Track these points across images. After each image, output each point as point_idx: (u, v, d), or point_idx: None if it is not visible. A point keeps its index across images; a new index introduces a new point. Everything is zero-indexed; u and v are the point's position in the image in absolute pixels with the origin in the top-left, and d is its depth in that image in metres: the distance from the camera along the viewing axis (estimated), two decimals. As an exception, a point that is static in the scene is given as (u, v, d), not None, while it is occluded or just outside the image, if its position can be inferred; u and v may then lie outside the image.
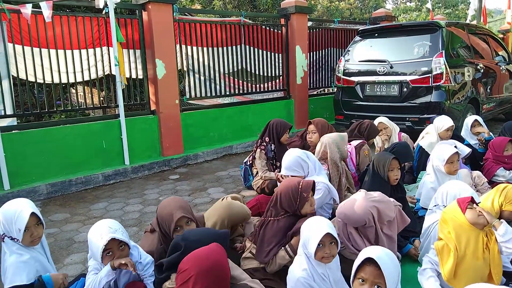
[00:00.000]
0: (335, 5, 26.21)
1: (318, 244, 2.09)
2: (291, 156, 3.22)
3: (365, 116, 5.72)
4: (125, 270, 2.25)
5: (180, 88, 6.47)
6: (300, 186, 2.56)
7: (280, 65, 7.77)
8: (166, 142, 5.87)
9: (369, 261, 1.76)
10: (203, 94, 6.61)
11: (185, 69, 6.44)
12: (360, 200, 2.54)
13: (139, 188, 5.01)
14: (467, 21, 11.29)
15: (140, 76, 5.94)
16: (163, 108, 5.81)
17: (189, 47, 6.40)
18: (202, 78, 6.58)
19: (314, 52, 8.45)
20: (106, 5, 5.24)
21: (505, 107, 7.49)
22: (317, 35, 8.46)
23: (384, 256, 1.77)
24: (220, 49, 6.78)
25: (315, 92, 8.84)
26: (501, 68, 7.19)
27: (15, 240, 2.25)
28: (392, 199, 2.74)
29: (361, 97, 6.40)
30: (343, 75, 6.68)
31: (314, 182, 2.65)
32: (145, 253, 2.41)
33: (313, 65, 8.45)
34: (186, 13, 7.71)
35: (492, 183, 3.85)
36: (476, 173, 3.84)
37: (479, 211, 2.28)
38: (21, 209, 2.25)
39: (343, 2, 27.21)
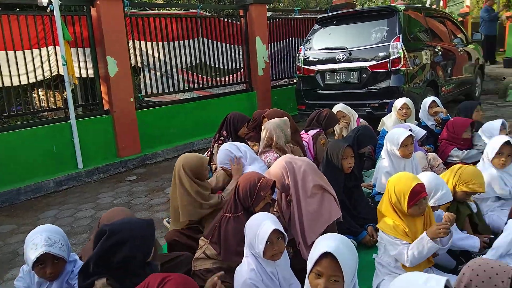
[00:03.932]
0: (300, -5, 26.20)
1: (266, 242, 1.98)
2: (221, 150, 3.23)
3: (327, 104, 5.60)
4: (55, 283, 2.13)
5: (135, 85, 6.24)
6: (259, 183, 2.45)
7: (241, 57, 7.63)
8: (122, 142, 5.64)
9: (326, 254, 1.64)
10: (160, 91, 6.39)
11: (139, 65, 6.21)
12: (280, 157, 2.78)
13: (93, 192, 4.78)
14: (427, 5, 11.39)
15: (92, 75, 5.68)
16: (117, 107, 5.58)
17: (143, 43, 6.18)
18: (158, 74, 6.37)
19: (276, 43, 8.34)
20: (50, 2, 4.97)
21: (464, 88, 7.56)
22: (278, 26, 8.35)
23: (341, 247, 1.65)
24: (176, 43, 6.58)
25: (282, 83, 8.74)
26: (459, 50, 7.24)
27: None
28: (321, 181, 2.65)
29: (322, 85, 6.31)
30: (303, 65, 6.58)
31: (274, 182, 2.54)
32: (81, 262, 2.25)
33: (275, 56, 8.34)
34: (145, 8, 7.48)
35: (447, 164, 3.83)
36: (432, 155, 3.81)
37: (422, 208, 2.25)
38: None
39: (309, -8, 27.24)
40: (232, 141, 4.40)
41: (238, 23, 7.50)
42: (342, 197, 3.03)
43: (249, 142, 4.49)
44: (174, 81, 6.57)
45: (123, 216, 2.25)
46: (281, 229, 2.04)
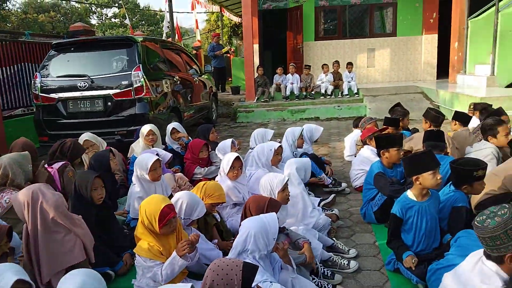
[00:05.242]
0: (32, 17, 23.92)
1: None
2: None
3: (72, 134, 5.30)
4: None
5: None
6: None
7: (-44, 84, 6.34)
8: None
9: None
10: None
11: None
12: (31, 185, 2.62)
13: None
14: (164, 38, 12.30)
15: None
16: None
17: None
18: None
19: (6, 68, 7.33)
20: None
21: (203, 113, 8.54)
22: (7, 49, 7.38)
23: (88, 283, 1.61)
24: None
25: (18, 112, 7.70)
26: (195, 79, 8.14)
27: None
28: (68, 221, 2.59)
29: (65, 114, 5.93)
30: (41, 92, 6.02)
31: (10, 228, 2.24)
32: None
33: (6, 82, 7.32)
34: None
35: (193, 181, 4.26)
36: (179, 175, 4.17)
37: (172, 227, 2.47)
38: None
39: (42, 15, 25.17)
40: None
41: None
42: (94, 228, 2.94)
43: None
44: None
45: None
46: (26, 278, 1.83)
